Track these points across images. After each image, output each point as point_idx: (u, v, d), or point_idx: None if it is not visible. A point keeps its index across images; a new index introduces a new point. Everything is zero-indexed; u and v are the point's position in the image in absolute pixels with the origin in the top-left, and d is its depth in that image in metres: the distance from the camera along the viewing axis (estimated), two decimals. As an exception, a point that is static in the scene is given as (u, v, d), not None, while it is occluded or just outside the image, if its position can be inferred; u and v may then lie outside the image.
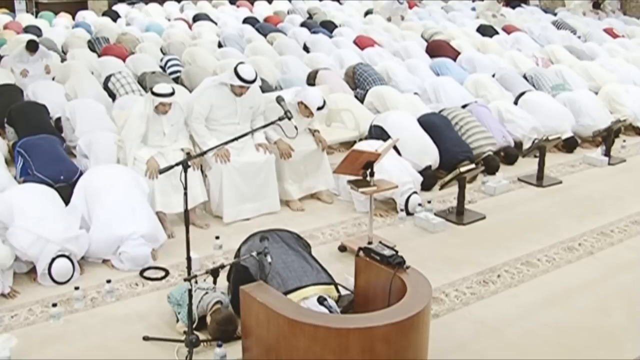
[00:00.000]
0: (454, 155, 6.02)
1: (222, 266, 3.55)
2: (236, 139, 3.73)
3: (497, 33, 12.02)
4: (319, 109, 5.43)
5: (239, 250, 3.88)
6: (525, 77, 8.67)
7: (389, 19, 13.32)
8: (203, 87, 5.34)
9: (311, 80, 7.97)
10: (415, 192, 5.32)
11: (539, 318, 3.86)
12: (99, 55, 9.31)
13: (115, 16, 13.57)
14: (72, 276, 4.21)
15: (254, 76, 5.09)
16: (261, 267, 3.55)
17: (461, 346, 3.58)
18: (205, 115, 5.18)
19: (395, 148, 5.37)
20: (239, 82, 5.04)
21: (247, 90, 5.15)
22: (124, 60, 8.79)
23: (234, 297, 3.80)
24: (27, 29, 11.20)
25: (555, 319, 3.85)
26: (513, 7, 15.88)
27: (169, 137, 5.09)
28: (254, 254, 3.55)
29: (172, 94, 4.96)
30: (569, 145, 7.11)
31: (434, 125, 6.26)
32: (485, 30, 12.14)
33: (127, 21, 13.32)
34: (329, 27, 12.32)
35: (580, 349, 3.56)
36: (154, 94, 4.94)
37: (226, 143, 3.83)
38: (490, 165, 6.17)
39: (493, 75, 8.55)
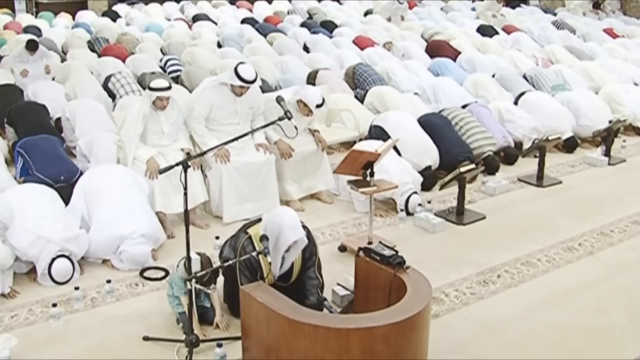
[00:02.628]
0: (454, 155, 6.02)
1: (222, 266, 3.56)
2: (236, 139, 3.73)
3: (497, 33, 12.02)
4: (318, 106, 5.42)
5: (221, 251, 3.90)
6: (525, 77, 8.67)
7: (389, 19, 13.31)
8: (203, 87, 5.34)
9: (311, 80, 7.97)
10: (415, 192, 5.32)
11: (539, 318, 3.86)
12: (99, 56, 9.32)
13: (115, 16, 13.57)
14: (72, 276, 4.21)
15: (254, 76, 5.08)
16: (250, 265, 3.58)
17: (461, 346, 3.58)
18: (205, 115, 5.18)
19: (395, 148, 5.37)
20: (239, 82, 5.04)
21: (247, 90, 5.15)
22: (123, 61, 8.80)
23: (229, 297, 3.82)
24: (27, 29, 11.20)
25: (555, 319, 3.85)
26: (513, 7, 15.88)
27: (168, 136, 5.09)
28: (254, 253, 3.55)
29: (169, 88, 4.99)
30: (569, 145, 7.11)
31: (434, 126, 6.26)
32: (485, 30, 12.15)
33: (127, 21, 13.32)
34: (329, 27, 12.32)
35: (580, 349, 3.56)
36: (150, 89, 4.97)
37: (226, 143, 3.82)
38: (490, 166, 6.18)
39: (493, 76, 8.55)
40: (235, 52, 9.71)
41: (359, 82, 8.13)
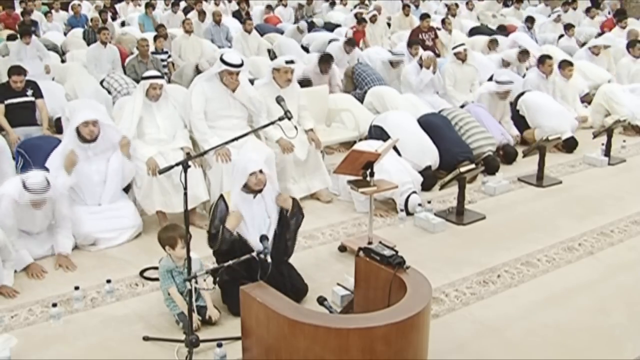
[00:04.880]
0: (454, 155, 6.02)
1: (222, 266, 3.56)
2: (236, 138, 3.71)
3: (495, 33, 12.02)
4: (289, 63, 5.54)
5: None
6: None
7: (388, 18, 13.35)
8: (194, 83, 5.43)
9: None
10: (414, 192, 5.32)
11: (539, 318, 3.86)
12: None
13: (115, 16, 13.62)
14: (47, 187, 4.13)
15: (240, 61, 5.18)
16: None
17: (461, 346, 3.58)
18: (203, 108, 5.21)
19: (395, 148, 5.37)
20: (225, 67, 5.11)
21: (237, 77, 5.20)
22: (123, 61, 8.83)
23: (228, 297, 3.83)
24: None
25: (555, 319, 3.85)
26: (508, 6, 15.89)
27: (165, 131, 5.14)
28: (254, 254, 3.55)
29: (162, 76, 5.24)
30: (568, 145, 7.11)
31: (434, 126, 6.27)
32: (484, 31, 12.16)
33: (126, 21, 13.37)
34: (328, 27, 12.35)
35: (580, 349, 3.56)
36: (143, 78, 5.19)
37: (226, 143, 3.81)
38: (490, 166, 6.18)
39: (491, 77, 8.56)
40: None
41: (357, 81, 8.13)
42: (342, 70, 8.43)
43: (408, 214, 5.28)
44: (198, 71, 8.24)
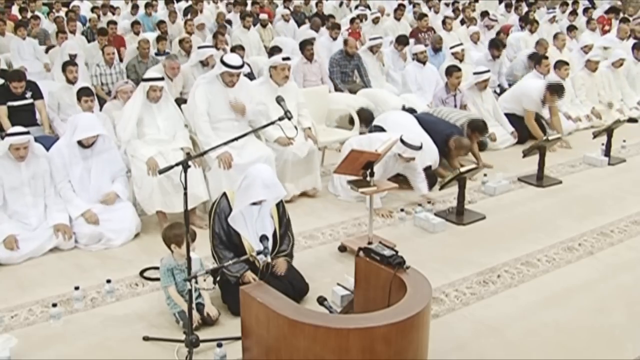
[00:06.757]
0: (442, 133, 6.16)
1: (222, 266, 3.56)
2: (236, 138, 3.71)
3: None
4: (285, 59, 5.68)
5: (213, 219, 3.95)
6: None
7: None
8: (196, 85, 5.45)
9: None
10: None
11: (539, 318, 3.86)
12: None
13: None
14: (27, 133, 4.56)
15: (240, 62, 5.25)
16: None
17: (461, 346, 3.58)
18: (207, 109, 5.24)
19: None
20: (225, 69, 5.16)
21: (237, 79, 5.24)
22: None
23: (228, 297, 3.83)
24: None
25: (555, 319, 3.85)
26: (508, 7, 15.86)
27: (165, 132, 5.16)
28: (254, 253, 3.56)
29: (162, 78, 5.25)
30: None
31: (430, 122, 6.32)
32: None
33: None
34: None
35: (580, 349, 3.56)
36: (144, 79, 5.21)
37: (225, 143, 3.80)
38: (477, 126, 6.38)
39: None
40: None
41: (335, 76, 8.27)
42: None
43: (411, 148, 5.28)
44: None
